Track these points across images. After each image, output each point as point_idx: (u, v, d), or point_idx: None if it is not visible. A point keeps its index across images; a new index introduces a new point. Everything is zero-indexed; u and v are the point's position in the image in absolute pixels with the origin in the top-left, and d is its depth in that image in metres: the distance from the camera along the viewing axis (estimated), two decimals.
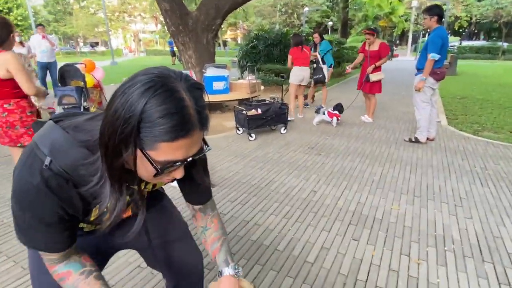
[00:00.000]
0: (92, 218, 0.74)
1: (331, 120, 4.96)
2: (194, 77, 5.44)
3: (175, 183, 0.83)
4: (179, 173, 0.65)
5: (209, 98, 0.62)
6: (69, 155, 0.62)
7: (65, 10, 36.27)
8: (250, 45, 9.24)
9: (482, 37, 37.87)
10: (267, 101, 4.91)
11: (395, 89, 8.58)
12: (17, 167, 0.64)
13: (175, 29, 5.43)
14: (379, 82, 4.85)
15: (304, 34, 10.04)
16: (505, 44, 23.21)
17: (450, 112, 5.81)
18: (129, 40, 48.94)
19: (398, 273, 1.80)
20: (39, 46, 6.79)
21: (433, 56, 3.49)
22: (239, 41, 38.42)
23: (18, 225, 0.68)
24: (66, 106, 4.54)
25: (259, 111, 4.43)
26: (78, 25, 35.48)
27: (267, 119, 4.45)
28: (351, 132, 4.68)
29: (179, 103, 0.53)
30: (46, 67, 7.01)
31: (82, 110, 4.49)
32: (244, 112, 4.37)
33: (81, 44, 43.80)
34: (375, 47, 4.75)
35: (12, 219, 0.69)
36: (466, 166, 3.33)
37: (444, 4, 19.47)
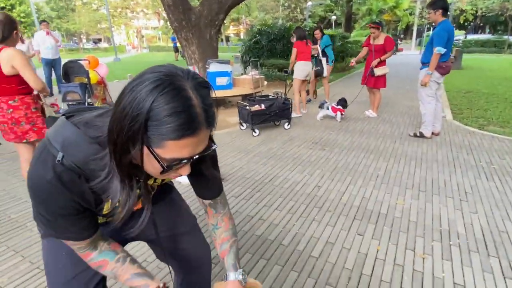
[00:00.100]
0: (105, 212, 0.75)
1: (335, 115, 4.94)
2: (197, 72, 5.43)
3: (181, 178, 0.85)
4: (186, 170, 0.65)
5: (215, 94, 0.62)
6: (80, 151, 0.63)
7: (68, 6, 36.29)
8: (253, 40, 9.20)
9: (487, 30, 37.36)
10: (270, 97, 4.89)
11: (400, 84, 8.51)
12: (32, 163, 0.66)
13: (178, 24, 5.41)
14: (383, 76, 4.81)
15: (307, 29, 9.97)
16: (511, 38, 22.89)
17: (455, 107, 5.75)
18: (132, 36, 48.90)
19: (403, 268, 1.80)
20: (43, 42, 6.76)
21: (439, 49, 3.45)
22: (242, 37, 38.26)
23: (39, 218, 0.71)
24: (70, 103, 4.57)
25: (263, 106, 4.42)
26: (80, 22, 35.48)
27: (270, 114, 4.44)
28: (355, 127, 4.66)
29: (186, 102, 0.53)
30: (51, 64, 7.00)
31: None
32: (247, 107, 4.36)
33: (84, 40, 43.84)
34: (380, 41, 4.70)
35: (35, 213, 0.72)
36: (472, 161, 3.30)
37: None
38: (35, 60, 7.48)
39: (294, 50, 4.97)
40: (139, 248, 1.98)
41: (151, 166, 0.60)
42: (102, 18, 36.01)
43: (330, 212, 2.39)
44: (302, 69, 5.06)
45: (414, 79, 8.87)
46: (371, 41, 4.80)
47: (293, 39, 5.04)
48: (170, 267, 1.09)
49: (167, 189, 1.10)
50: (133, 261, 0.83)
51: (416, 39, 29.04)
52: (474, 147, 3.70)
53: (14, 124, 2.21)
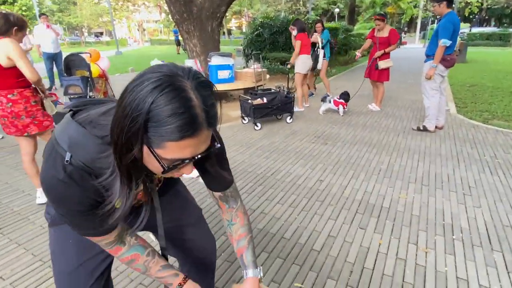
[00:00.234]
0: (117, 206, 0.75)
1: (338, 109, 4.90)
2: (199, 66, 5.39)
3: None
4: (188, 170, 0.66)
5: (216, 88, 0.61)
6: (87, 150, 0.65)
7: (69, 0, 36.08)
8: (255, 33, 9.11)
9: (493, 23, 36.84)
10: (272, 90, 4.85)
11: (403, 77, 8.43)
12: (43, 165, 0.69)
13: (179, 17, 5.36)
14: (387, 70, 4.75)
15: (310, 21, 9.86)
16: None
17: (459, 100, 5.69)
18: (133, 30, 48.66)
19: (405, 262, 1.79)
20: (43, 36, 6.68)
21: (444, 42, 3.40)
22: (244, 29, 37.96)
23: (61, 217, 0.73)
24: (72, 96, 4.56)
25: (265, 100, 4.39)
26: (82, 15, 35.31)
27: (272, 108, 4.42)
28: (358, 120, 4.63)
29: (186, 103, 0.52)
30: (53, 58, 6.93)
31: None
32: (249, 101, 4.34)
33: (86, 34, 43.69)
34: (384, 33, 4.62)
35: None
36: (476, 155, 3.27)
37: None
38: (35, 54, 7.45)
39: (298, 43, 4.80)
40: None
41: (152, 166, 0.60)
42: (104, 11, 35.80)
43: (332, 206, 2.38)
44: (305, 62, 4.98)
45: (417, 73, 8.78)
46: (376, 34, 4.73)
47: (294, 32, 4.94)
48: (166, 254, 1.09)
49: (173, 181, 1.10)
50: (159, 255, 0.87)
51: (420, 32, 28.70)
52: (478, 141, 3.66)
53: (14, 118, 2.20)
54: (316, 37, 5.41)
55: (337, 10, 28.32)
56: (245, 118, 4.61)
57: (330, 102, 4.93)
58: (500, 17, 34.73)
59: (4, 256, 1.89)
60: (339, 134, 4.03)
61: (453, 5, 3.55)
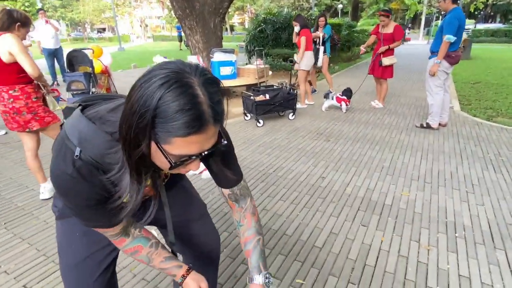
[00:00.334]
0: (125, 200, 0.77)
1: (340, 106, 4.88)
2: (201, 62, 5.38)
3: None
4: (195, 166, 0.66)
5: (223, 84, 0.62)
6: (96, 146, 0.65)
7: None
8: (258, 29, 9.07)
9: (498, 19, 36.43)
10: (275, 87, 4.84)
11: (407, 74, 8.38)
12: (52, 159, 0.70)
13: (181, 13, 5.34)
14: (391, 66, 4.72)
15: (313, 18, 9.79)
16: None
17: (463, 97, 5.65)
18: (136, 26, 48.58)
19: (407, 259, 1.79)
20: (42, 31, 6.52)
21: (448, 38, 3.36)
22: (246, 25, 37.80)
23: (68, 210, 0.74)
24: (75, 92, 4.57)
25: (267, 96, 4.38)
26: (85, 11, 35.25)
27: (275, 105, 4.40)
28: (360, 117, 4.61)
29: (192, 99, 0.53)
30: (53, 54, 6.84)
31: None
32: (252, 97, 4.33)
33: (88, 30, 43.67)
34: (389, 29, 4.58)
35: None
36: (479, 152, 3.25)
37: None
38: (35, 51, 7.40)
39: (304, 39, 4.74)
40: None
41: (160, 161, 0.61)
42: (106, 7, 35.74)
43: (334, 203, 2.38)
44: (310, 58, 4.96)
45: (421, 70, 8.72)
46: (380, 30, 4.68)
47: (296, 27, 4.91)
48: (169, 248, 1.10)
49: (178, 177, 1.11)
50: (163, 246, 0.88)
51: (424, 29, 28.44)
52: (482, 139, 3.64)
53: (15, 114, 2.21)
54: (317, 34, 5.38)
55: (340, 6, 28.10)
56: (248, 114, 4.61)
57: (332, 99, 4.91)
58: (505, 13, 34.31)
59: (8, 251, 1.91)
60: (341, 131, 4.02)
61: (459, 1, 3.51)
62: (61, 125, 0.77)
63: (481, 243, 1.92)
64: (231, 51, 5.53)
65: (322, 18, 5.62)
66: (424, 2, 26.25)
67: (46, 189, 2.48)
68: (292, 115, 4.61)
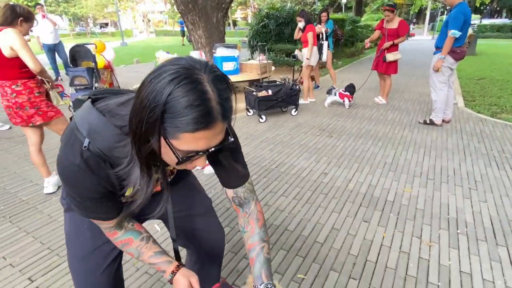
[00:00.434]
0: (127, 194, 0.78)
1: (343, 101, 4.86)
2: (204, 57, 5.37)
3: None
4: (201, 162, 0.67)
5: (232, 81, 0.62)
6: (105, 138, 0.66)
7: None
8: (261, 24, 9.01)
9: (504, 14, 35.93)
10: (278, 82, 4.83)
11: (411, 70, 8.31)
12: (61, 148, 0.70)
13: (184, 7, 5.32)
14: (395, 62, 4.68)
15: (316, 13, 9.72)
16: None
17: (467, 94, 5.60)
18: (138, 21, 48.43)
19: (409, 255, 1.79)
20: (41, 27, 6.39)
21: (453, 33, 3.33)
22: (249, 21, 37.60)
23: (71, 200, 0.75)
24: (78, 87, 4.58)
25: (270, 92, 4.37)
26: (87, 6, 35.20)
27: (277, 100, 4.39)
28: (364, 113, 4.59)
29: (201, 95, 0.53)
30: (54, 49, 6.74)
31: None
32: (254, 93, 4.32)
33: (91, 25, 43.60)
34: (394, 24, 4.52)
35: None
36: (483, 149, 3.24)
37: None
38: (35, 46, 7.34)
39: (311, 34, 4.70)
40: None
41: (167, 156, 0.61)
42: (109, 2, 35.64)
43: (336, 199, 2.38)
44: (316, 53, 4.93)
45: (425, 65, 8.65)
46: (385, 25, 4.63)
47: (301, 23, 4.87)
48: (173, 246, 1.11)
49: (184, 172, 1.11)
50: (155, 241, 0.88)
51: (429, 24, 28.12)
52: (485, 135, 3.61)
53: (18, 109, 2.23)
54: (320, 29, 5.34)
55: (344, 0, 27.83)
56: (250, 110, 4.60)
57: (335, 94, 4.89)
58: None
59: (13, 244, 1.93)
60: (344, 127, 4.01)
61: None
62: (70, 118, 0.77)
63: (483, 239, 1.92)
64: (234, 46, 5.51)
65: (324, 14, 5.58)
66: None
67: (50, 184, 2.51)
68: (295, 111, 4.60)
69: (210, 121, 0.55)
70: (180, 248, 1.22)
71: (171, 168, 0.90)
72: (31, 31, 2.35)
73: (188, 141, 0.56)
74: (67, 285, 1.61)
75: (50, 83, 2.36)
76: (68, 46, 5.54)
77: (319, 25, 5.40)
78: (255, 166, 2.96)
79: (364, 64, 9.34)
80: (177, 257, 1.07)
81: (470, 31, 3.60)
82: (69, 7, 34.89)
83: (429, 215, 2.16)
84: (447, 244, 1.88)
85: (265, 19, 9.01)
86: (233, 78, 5.51)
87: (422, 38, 23.07)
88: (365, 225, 2.07)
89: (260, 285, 0.81)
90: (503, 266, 1.70)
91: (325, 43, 5.37)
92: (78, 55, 4.65)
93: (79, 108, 0.72)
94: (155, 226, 2.07)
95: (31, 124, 2.30)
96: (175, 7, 6.48)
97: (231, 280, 1.64)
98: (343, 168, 2.89)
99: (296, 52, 5.33)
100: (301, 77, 5.43)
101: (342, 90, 4.86)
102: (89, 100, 0.72)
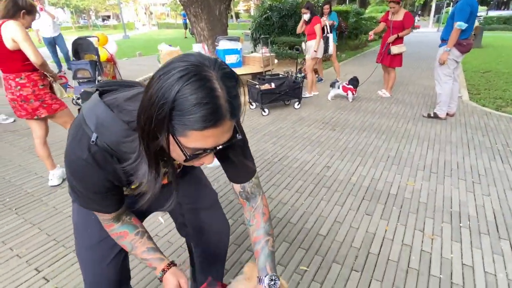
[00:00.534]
0: (133, 187, 0.80)
1: (347, 95, 4.83)
2: (206, 50, 5.34)
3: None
4: (209, 160, 0.67)
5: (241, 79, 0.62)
6: (113, 133, 0.67)
7: None
8: (264, 16, 8.92)
9: (511, 6, 35.31)
10: (280, 75, 4.80)
11: (415, 63, 8.23)
12: (68, 141, 0.71)
13: None
14: (400, 55, 4.62)
15: (320, 4, 9.60)
16: None
17: (472, 87, 5.55)
18: (140, 13, 48.13)
19: (411, 248, 1.80)
20: (40, 20, 6.15)
21: (459, 25, 3.28)
22: (252, 13, 37.23)
23: (74, 192, 0.76)
24: (81, 80, 4.58)
25: (273, 85, 4.35)
26: None
27: (280, 93, 4.38)
28: (367, 107, 4.57)
29: (210, 93, 0.53)
30: (53, 42, 6.58)
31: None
32: (257, 86, 4.30)
33: (93, 17, 43.39)
34: (399, 17, 4.46)
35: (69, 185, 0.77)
36: (487, 143, 3.21)
37: None
38: (34, 40, 7.27)
39: (318, 26, 4.66)
40: (151, 222, 2.04)
41: (175, 153, 0.62)
42: None
43: (338, 192, 2.38)
44: (321, 46, 4.89)
45: (430, 58, 8.56)
46: (390, 17, 4.56)
47: (306, 15, 4.81)
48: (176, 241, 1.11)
49: (191, 166, 1.12)
50: (150, 237, 0.88)
51: (434, 16, 27.72)
52: (490, 129, 3.59)
53: (23, 102, 2.23)
54: (324, 21, 5.28)
55: None
56: (253, 103, 4.59)
57: (339, 88, 4.86)
58: None
59: (20, 235, 1.96)
60: (347, 120, 3.99)
61: None
62: (79, 110, 0.78)
63: (485, 233, 1.92)
64: (237, 39, 5.47)
65: (326, 6, 5.52)
66: None
67: (55, 176, 2.53)
68: (298, 104, 4.58)
69: (218, 119, 0.55)
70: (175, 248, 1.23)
71: (178, 162, 0.90)
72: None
73: (196, 139, 0.56)
74: (73, 276, 1.64)
75: (53, 76, 2.36)
76: (70, 39, 5.52)
77: (323, 18, 5.35)
78: (258, 159, 2.97)
79: (368, 57, 9.25)
80: (189, 245, 1.08)
81: (476, 23, 3.54)
82: None
83: (432, 208, 2.17)
84: (450, 237, 1.88)
85: (268, 11, 8.92)
86: (235, 71, 5.49)
87: (427, 30, 22.76)
88: (368, 218, 2.08)
89: (265, 276, 0.82)
90: (505, 259, 1.70)
91: (330, 36, 5.31)
92: (81, 48, 4.64)
93: (87, 100, 0.72)
94: (159, 218, 2.09)
95: (36, 117, 2.31)
96: None
97: (234, 272, 1.65)
98: (346, 161, 2.88)
99: (303, 44, 5.26)
100: (304, 68, 5.39)
101: (346, 83, 4.83)
102: (97, 92, 0.72)
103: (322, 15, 5.48)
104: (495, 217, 2.06)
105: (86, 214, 0.94)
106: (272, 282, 0.81)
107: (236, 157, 0.83)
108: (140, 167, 0.65)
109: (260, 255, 0.86)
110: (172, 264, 0.86)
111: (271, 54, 5.99)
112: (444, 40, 3.57)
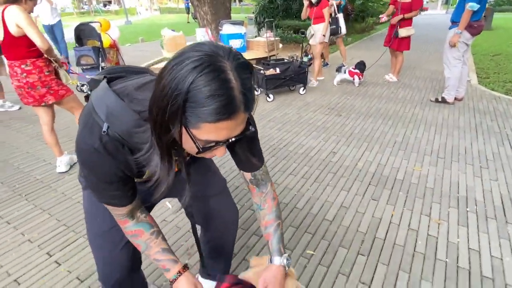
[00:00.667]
0: (145, 177, 0.79)
1: (353, 79, 4.76)
2: (209, 35, 5.25)
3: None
4: (221, 152, 0.66)
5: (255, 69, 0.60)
6: (124, 122, 0.65)
7: None
8: None
9: None
10: (285, 60, 4.73)
11: (423, 46, 8.04)
12: (79, 130, 0.70)
13: None
14: (408, 38, 4.51)
15: None
16: None
17: (481, 71, 5.43)
18: None
19: (417, 232, 1.81)
20: (39, 6, 5.83)
21: (471, 6, 3.17)
22: None
23: (88, 182, 0.76)
24: (84, 67, 4.56)
25: (277, 70, 4.29)
26: None
27: (285, 79, 4.32)
28: (374, 91, 4.50)
29: (224, 84, 0.52)
30: (52, 30, 6.20)
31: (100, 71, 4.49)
32: (261, 71, 4.25)
33: (94, 2, 42.78)
34: None
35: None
36: (495, 127, 3.17)
37: None
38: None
39: (327, 9, 4.51)
40: (159, 208, 2.06)
41: (187, 145, 0.61)
42: None
43: (344, 178, 2.38)
44: (329, 30, 4.78)
45: (439, 40, 8.35)
46: None
47: None
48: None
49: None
50: (164, 238, 0.88)
51: None
52: (499, 113, 3.53)
53: (30, 89, 2.23)
54: (332, 2, 5.13)
55: None
56: (257, 89, 4.55)
57: (345, 72, 4.78)
58: None
59: (31, 221, 2.00)
60: (353, 106, 3.95)
61: None
62: (86, 97, 0.76)
63: (492, 217, 1.91)
64: (240, 23, 5.37)
65: None
66: None
67: (63, 163, 2.55)
68: (303, 90, 4.53)
69: (233, 112, 0.54)
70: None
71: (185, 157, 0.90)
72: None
73: (209, 131, 0.55)
74: (85, 259, 1.67)
75: (57, 62, 2.34)
76: (73, 25, 5.44)
77: None
78: (263, 145, 2.96)
79: (375, 41, 9.06)
80: (194, 232, 1.09)
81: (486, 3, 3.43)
82: None
83: (439, 193, 2.16)
84: (456, 222, 1.88)
85: None
86: None
87: (436, 12, 22.16)
88: (374, 203, 2.08)
89: (281, 256, 0.88)
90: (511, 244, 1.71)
91: (340, 15, 5.16)
92: (83, 34, 4.60)
93: (95, 88, 0.71)
94: (166, 204, 2.11)
95: (43, 104, 2.31)
96: None
97: (241, 255, 1.68)
98: (352, 147, 2.87)
99: (309, 29, 5.11)
100: (310, 49, 5.24)
101: (352, 68, 4.75)
102: (105, 80, 0.70)
103: None
104: (502, 202, 2.05)
105: (97, 201, 0.95)
106: (288, 261, 0.88)
107: (248, 148, 0.83)
108: (153, 157, 0.64)
109: (274, 237, 0.90)
110: (186, 267, 0.85)
111: (276, 38, 5.88)
112: (454, 22, 3.46)
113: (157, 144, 0.61)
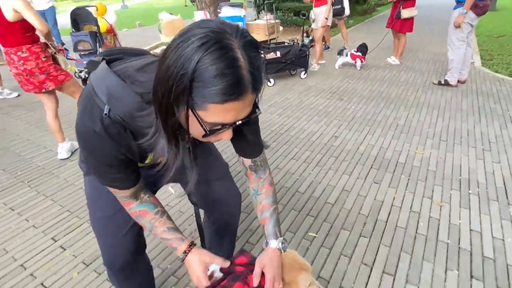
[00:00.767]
0: (147, 161, 0.78)
1: (355, 63, 4.69)
2: (208, 17, 5.14)
3: None
4: (227, 135, 0.64)
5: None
6: (126, 104, 0.63)
7: None
8: None
9: None
10: (286, 44, 4.65)
11: (426, 27, 7.88)
12: (79, 113, 0.67)
13: None
14: (411, 19, 4.40)
15: None
16: None
17: (485, 52, 5.34)
18: None
19: (419, 214, 1.82)
20: None
21: None
22: None
23: (89, 166, 0.75)
24: (82, 53, 4.49)
25: (278, 54, 4.22)
26: None
27: (286, 63, 4.25)
28: (376, 75, 4.44)
29: (232, 63, 0.49)
30: (44, 16, 5.84)
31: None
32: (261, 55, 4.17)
33: None
34: None
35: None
36: (498, 110, 3.14)
37: None
38: None
39: None
40: (163, 192, 2.07)
41: (193, 128, 0.58)
42: None
43: (346, 162, 2.38)
44: (331, 13, 4.66)
45: (442, 22, 8.17)
46: None
47: None
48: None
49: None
50: (169, 217, 0.87)
51: None
52: (502, 96, 3.49)
53: (29, 76, 2.20)
54: None
55: None
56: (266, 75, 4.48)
57: (346, 55, 4.70)
58: None
59: (34, 207, 2.01)
60: (355, 89, 3.90)
61: None
62: (83, 80, 0.74)
63: (494, 199, 1.92)
64: (240, 6, 5.26)
65: None
66: None
67: (64, 149, 2.55)
68: (304, 74, 4.46)
69: (240, 92, 0.51)
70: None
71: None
72: None
73: (216, 113, 0.53)
74: (89, 244, 1.69)
75: (55, 47, 2.30)
76: (68, 10, 5.31)
77: None
78: (264, 130, 2.94)
79: (377, 23, 8.87)
80: (197, 218, 1.09)
81: None
82: None
83: (441, 176, 2.16)
84: (458, 204, 1.89)
85: None
86: None
87: None
88: (376, 186, 2.08)
89: (276, 239, 0.88)
90: None
91: None
92: (80, 18, 4.50)
93: (93, 70, 0.68)
94: (169, 189, 2.12)
95: (44, 90, 2.29)
96: None
97: (245, 238, 1.70)
98: (354, 131, 2.85)
99: (311, 13, 4.98)
100: (311, 30, 5.12)
101: (354, 51, 4.66)
102: (104, 61, 0.68)
103: None
104: (504, 184, 2.05)
105: (98, 186, 0.92)
106: (283, 245, 0.88)
107: (251, 133, 0.81)
108: (159, 141, 0.63)
109: (270, 221, 0.90)
110: (193, 244, 0.85)
111: (276, 21, 5.77)
112: (459, 2, 3.37)
113: (163, 127, 0.59)
